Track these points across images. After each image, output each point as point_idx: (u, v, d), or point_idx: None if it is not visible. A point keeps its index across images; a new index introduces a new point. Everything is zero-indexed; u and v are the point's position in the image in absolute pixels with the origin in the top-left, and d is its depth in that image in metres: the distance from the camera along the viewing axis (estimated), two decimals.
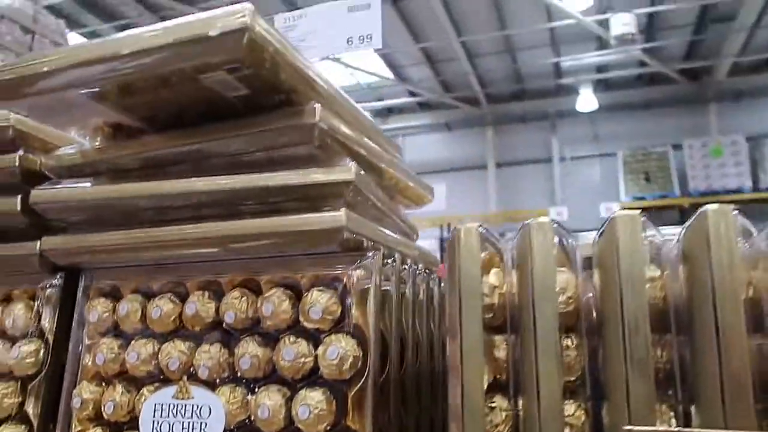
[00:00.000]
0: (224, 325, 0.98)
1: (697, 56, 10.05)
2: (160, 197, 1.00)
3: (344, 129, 1.02)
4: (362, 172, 0.99)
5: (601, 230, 0.78)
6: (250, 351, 0.94)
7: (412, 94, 11.38)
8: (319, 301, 0.91)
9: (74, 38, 8.21)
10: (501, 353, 0.77)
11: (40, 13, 5.59)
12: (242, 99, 0.96)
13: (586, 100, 10.40)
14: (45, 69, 0.90)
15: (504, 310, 0.78)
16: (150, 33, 0.88)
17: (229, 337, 0.99)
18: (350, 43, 2.39)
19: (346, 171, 0.95)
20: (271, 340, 0.95)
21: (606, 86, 11.04)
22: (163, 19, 7.40)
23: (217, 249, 0.99)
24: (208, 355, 0.96)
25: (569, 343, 0.74)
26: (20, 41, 5.28)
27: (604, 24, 8.42)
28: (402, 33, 9.28)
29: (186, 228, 1.00)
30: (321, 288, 0.94)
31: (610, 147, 10.79)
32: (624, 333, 0.67)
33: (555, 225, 0.80)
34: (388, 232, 1.14)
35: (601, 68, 10.62)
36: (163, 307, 1.01)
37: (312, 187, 0.94)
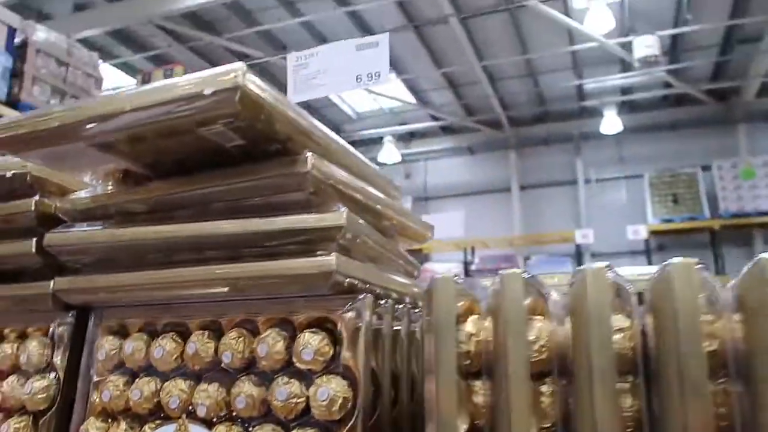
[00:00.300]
0: (222, 364, 1.02)
1: (724, 77, 9.94)
2: (164, 241, 1.06)
3: (338, 175, 1.06)
4: (355, 216, 1.03)
5: (572, 282, 0.80)
6: (245, 390, 0.97)
7: (434, 118, 11.46)
8: (311, 343, 0.95)
9: (107, 69, 8.52)
10: (479, 399, 0.79)
11: (74, 46, 5.83)
12: (241, 148, 1.01)
13: (611, 122, 10.33)
14: (56, 124, 0.97)
15: (481, 356, 0.80)
16: (151, 91, 0.94)
17: (227, 377, 1.02)
18: (359, 80, 2.46)
19: (338, 216, 0.99)
20: (266, 379, 0.99)
21: (631, 108, 10.96)
22: (192, 49, 7.67)
23: (215, 291, 1.03)
24: (206, 394, 1.00)
25: (544, 389, 0.76)
26: (55, 74, 5.51)
27: (627, 46, 8.40)
28: (424, 58, 9.40)
29: (187, 270, 1.05)
30: (314, 330, 0.97)
31: (636, 169, 10.67)
32: (592, 381, 0.69)
33: (528, 276, 0.82)
34: (382, 272, 1.17)
35: (625, 90, 10.56)
36: (165, 346, 1.05)
37: (304, 231, 0.98)
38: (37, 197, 1.20)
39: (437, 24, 8.54)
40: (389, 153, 11.46)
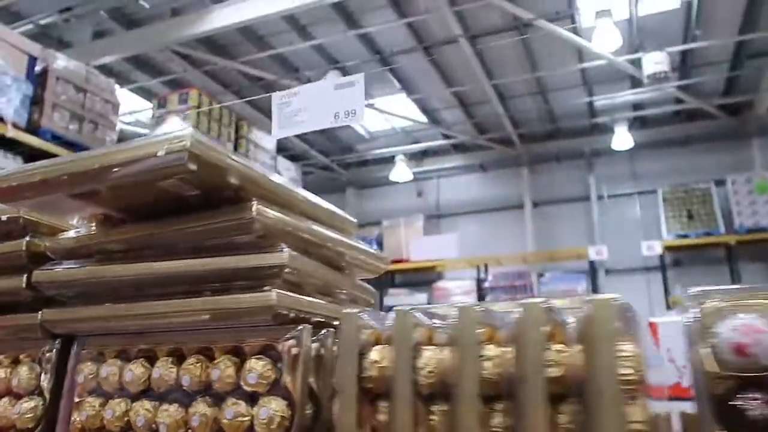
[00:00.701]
0: (183, 387, 1.16)
1: (735, 91, 9.92)
2: (134, 277, 1.21)
3: (284, 218, 1.20)
4: (299, 255, 1.17)
5: (455, 317, 0.92)
6: (200, 410, 1.11)
7: (446, 136, 11.59)
8: (255, 368, 1.09)
9: (124, 94, 8.83)
10: (382, 417, 0.91)
11: (92, 73, 6.09)
12: (200, 196, 1.16)
13: (622, 139, 10.35)
14: (38, 179, 1.13)
15: (383, 381, 0.93)
16: (115, 152, 1.09)
17: (187, 398, 1.17)
18: (336, 117, 2.62)
19: (280, 256, 1.13)
20: (218, 400, 1.13)
21: (642, 123, 10.97)
22: (207, 73, 7.93)
23: (177, 321, 1.18)
24: (167, 413, 1.14)
25: (434, 409, 0.88)
26: (74, 100, 5.77)
27: (637, 63, 8.46)
28: (434, 78, 9.56)
29: (154, 304, 1.20)
30: (259, 356, 1.12)
31: (650, 184, 10.65)
32: (463, 403, 0.81)
33: (417, 312, 0.95)
34: (330, 303, 1.30)
35: (636, 106, 10.59)
36: (134, 371, 1.20)
37: (251, 270, 1.13)
38: (27, 238, 1.36)
39: (447, 44, 8.71)
40: (401, 172, 11.62)
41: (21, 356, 1.38)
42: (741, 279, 9.77)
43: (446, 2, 7.49)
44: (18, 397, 1.33)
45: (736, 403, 0.91)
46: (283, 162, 8.27)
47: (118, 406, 1.20)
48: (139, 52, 8.36)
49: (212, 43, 8.56)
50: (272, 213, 1.17)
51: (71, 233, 1.34)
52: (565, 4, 7.83)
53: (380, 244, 11.58)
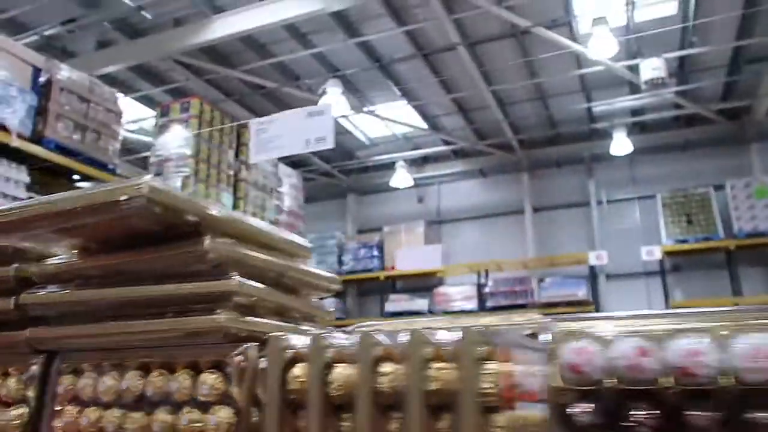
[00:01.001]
0: (148, 397, 1.32)
1: (734, 96, 9.97)
2: (107, 301, 1.37)
3: (236, 249, 1.36)
4: (249, 281, 1.32)
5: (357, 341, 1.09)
6: (161, 418, 1.27)
7: (446, 142, 11.71)
8: (207, 381, 1.27)
9: (127, 103, 9.00)
10: (302, 424, 1.09)
11: (96, 83, 6.23)
12: (162, 230, 1.31)
13: (621, 144, 10.42)
14: (14, 218, 1.29)
15: (302, 393, 1.10)
16: (84, 195, 1.25)
17: (151, 407, 1.32)
18: (308, 143, 2.79)
19: (230, 283, 1.29)
20: (178, 409, 1.29)
21: (641, 129, 11.04)
22: (209, 82, 8.06)
23: (144, 339, 1.33)
24: (133, 420, 1.31)
25: (344, 417, 1.05)
26: (77, 110, 5.90)
27: (634, 69, 8.54)
28: (434, 85, 9.68)
29: (124, 324, 1.36)
30: (212, 370, 1.29)
31: (649, 189, 10.71)
32: (362, 414, 0.96)
33: (327, 335, 1.11)
34: (281, 322, 1.45)
35: (635, 111, 10.66)
36: (107, 382, 1.36)
37: (204, 295, 1.30)
38: (16, 265, 1.51)
39: (446, 51, 8.83)
40: (402, 178, 11.73)
41: (9, 369, 1.51)
42: (740, 284, 9.81)
43: (444, 11, 7.61)
44: (7, 405, 1.47)
45: (571, 411, 1.16)
46: (284, 169, 8.40)
47: (92, 413, 1.35)
48: (142, 61, 8.53)
49: (214, 51, 8.72)
50: (224, 245, 1.34)
51: (54, 260, 1.50)
52: (562, 11, 7.93)
53: (381, 250, 11.69)
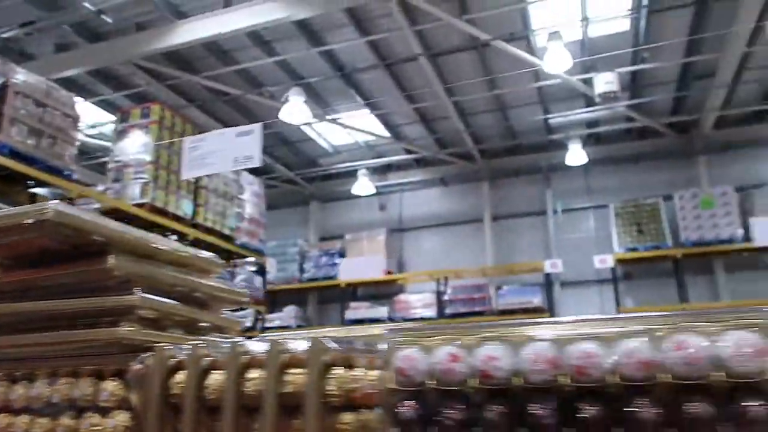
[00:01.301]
0: (54, 403, 1.40)
1: (683, 111, 10.43)
2: (18, 314, 1.47)
3: (141, 266, 1.47)
4: (151, 297, 1.43)
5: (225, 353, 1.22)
6: (65, 423, 1.39)
7: (408, 151, 11.86)
8: (107, 388, 1.39)
9: (87, 107, 8.85)
10: (180, 425, 1.24)
11: (53, 87, 6.10)
12: (72, 249, 1.40)
13: (576, 155, 10.75)
14: None
15: (182, 397, 1.24)
16: None
17: (57, 412, 1.41)
18: (236, 162, 2.93)
19: (131, 298, 1.40)
20: (81, 413, 1.38)
21: (596, 140, 11.42)
22: (171, 87, 8.01)
23: (53, 349, 1.43)
24: (40, 425, 1.41)
25: (218, 419, 1.19)
26: (33, 114, 5.76)
27: (589, 82, 8.84)
28: (396, 94, 9.82)
29: (34, 336, 1.47)
30: (114, 377, 1.40)
31: (603, 199, 11.08)
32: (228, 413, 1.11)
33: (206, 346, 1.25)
34: (177, 333, 1.57)
35: (590, 123, 11.04)
36: (18, 390, 1.46)
37: (110, 309, 1.41)
38: None
39: (408, 62, 8.98)
40: (364, 186, 11.83)
41: None
42: (687, 291, 10.22)
43: (407, 22, 7.76)
44: None
45: (399, 410, 1.39)
46: (246, 176, 8.37)
47: (4, 419, 1.44)
48: (103, 65, 8.41)
49: (176, 57, 8.66)
50: (128, 263, 1.45)
51: None
52: (521, 26, 8.18)
53: (342, 257, 11.73)
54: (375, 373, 1.33)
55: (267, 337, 1.37)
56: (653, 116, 10.44)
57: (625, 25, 8.24)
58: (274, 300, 11.43)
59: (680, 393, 1.31)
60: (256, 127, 2.53)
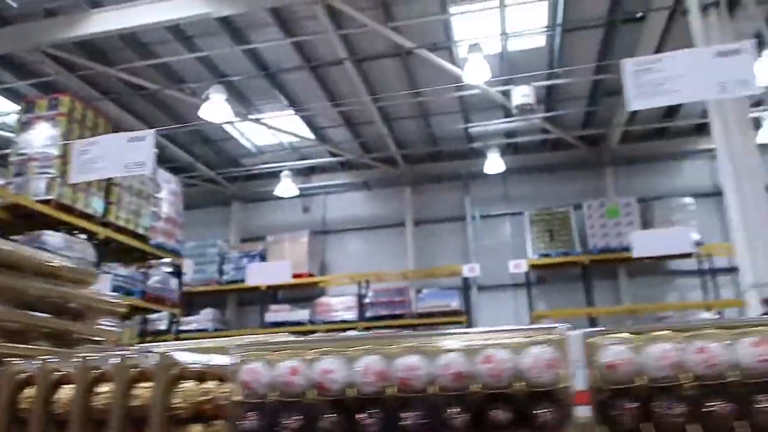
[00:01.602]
0: None
1: (592, 125, 11.05)
2: None
3: (7, 279, 1.43)
4: (15, 310, 1.42)
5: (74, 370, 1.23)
6: None
7: (333, 154, 11.88)
8: None
9: None
10: None
11: None
12: None
13: (494, 163, 11.14)
14: None
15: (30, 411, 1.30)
16: None
17: None
18: (127, 168, 2.92)
19: None
20: None
21: (514, 150, 11.89)
22: (81, 78, 7.59)
23: None
24: None
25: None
26: None
27: (507, 94, 9.19)
28: (321, 97, 9.81)
29: None
30: None
31: (519, 207, 11.56)
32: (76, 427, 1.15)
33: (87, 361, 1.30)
34: (38, 345, 1.57)
35: (508, 134, 11.48)
36: None
37: None
38: None
39: (333, 65, 9.00)
40: (287, 187, 11.72)
41: None
42: (593, 295, 10.82)
43: (332, 25, 7.78)
44: None
45: (241, 421, 1.47)
46: (163, 174, 8.09)
47: None
48: (6, 51, 7.89)
49: (90, 47, 8.26)
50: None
51: None
52: (443, 36, 8.40)
53: (264, 260, 11.55)
54: (227, 386, 1.40)
55: (149, 348, 1.37)
56: (566, 129, 10.99)
57: (541, 41, 8.65)
58: (190, 302, 11.11)
59: (487, 401, 1.53)
60: (149, 134, 2.53)
